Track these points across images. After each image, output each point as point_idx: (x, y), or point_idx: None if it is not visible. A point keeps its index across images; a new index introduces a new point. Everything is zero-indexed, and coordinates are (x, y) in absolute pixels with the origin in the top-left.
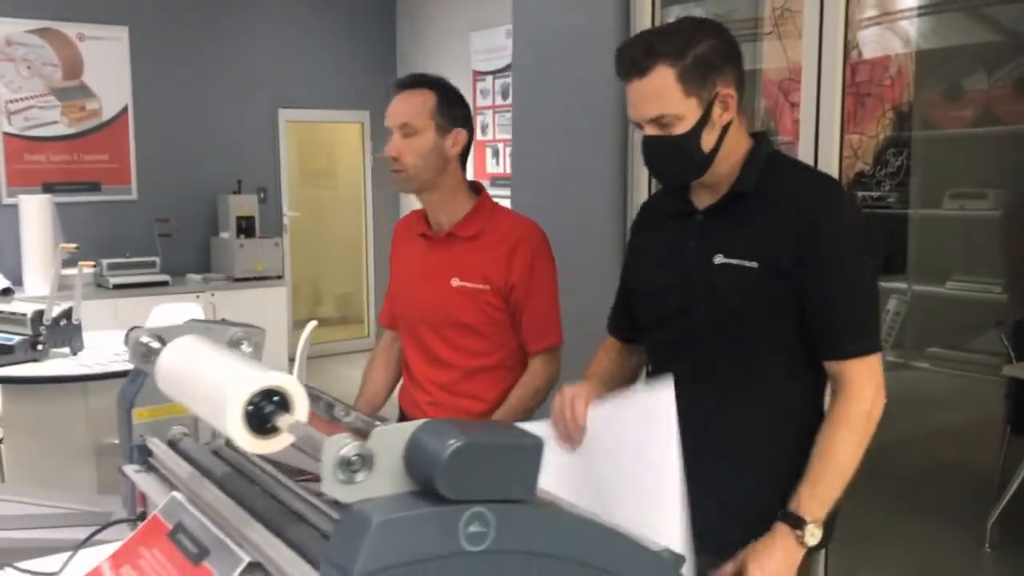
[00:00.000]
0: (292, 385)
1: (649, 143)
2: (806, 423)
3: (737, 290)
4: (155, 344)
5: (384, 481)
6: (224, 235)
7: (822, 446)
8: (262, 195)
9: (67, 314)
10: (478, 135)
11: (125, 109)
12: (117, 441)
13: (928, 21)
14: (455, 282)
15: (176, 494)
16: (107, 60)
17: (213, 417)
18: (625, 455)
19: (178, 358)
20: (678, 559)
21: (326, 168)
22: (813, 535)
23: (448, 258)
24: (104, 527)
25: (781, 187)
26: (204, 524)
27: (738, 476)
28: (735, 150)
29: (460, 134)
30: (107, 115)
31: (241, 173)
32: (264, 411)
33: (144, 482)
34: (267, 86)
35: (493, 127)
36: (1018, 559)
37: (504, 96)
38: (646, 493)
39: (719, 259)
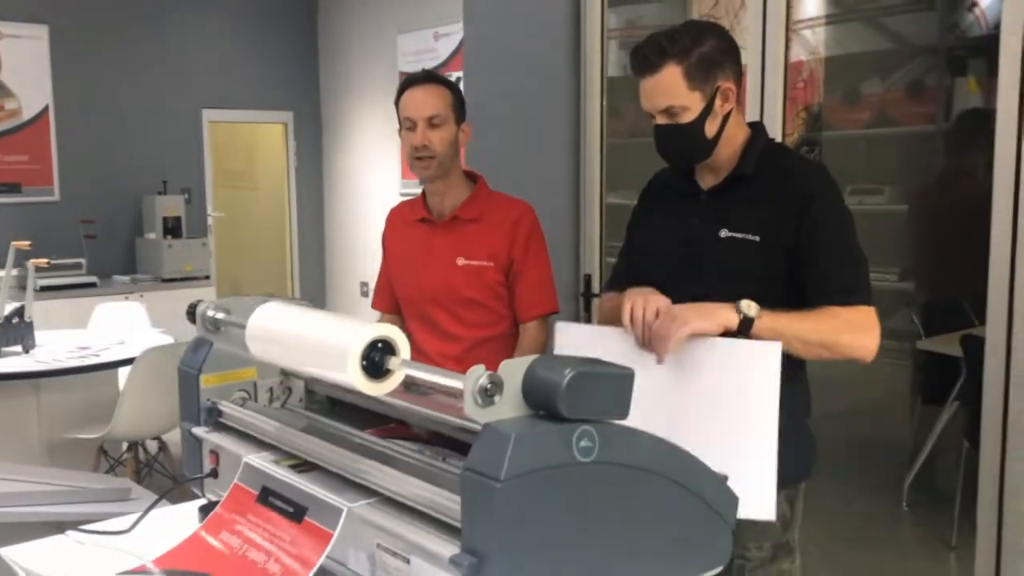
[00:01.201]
0: (396, 333)
1: (660, 130)
2: (790, 374)
3: (740, 260)
4: (221, 315)
5: (508, 406)
6: (151, 236)
7: (810, 310)
8: (187, 196)
9: (19, 312)
10: None
11: (46, 109)
12: (80, 436)
13: (831, 30)
14: (460, 261)
15: (249, 459)
16: (26, 59)
17: (329, 367)
18: (721, 397)
19: (274, 321)
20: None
21: (246, 169)
22: (749, 308)
23: (452, 240)
24: (178, 484)
25: (777, 170)
26: (292, 483)
27: None
28: (735, 137)
29: (468, 127)
30: (27, 115)
31: (166, 174)
32: (376, 357)
33: (218, 440)
34: (191, 87)
35: None
36: (931, 515)
37: None
38: (737, 441)
39: (724, 233)
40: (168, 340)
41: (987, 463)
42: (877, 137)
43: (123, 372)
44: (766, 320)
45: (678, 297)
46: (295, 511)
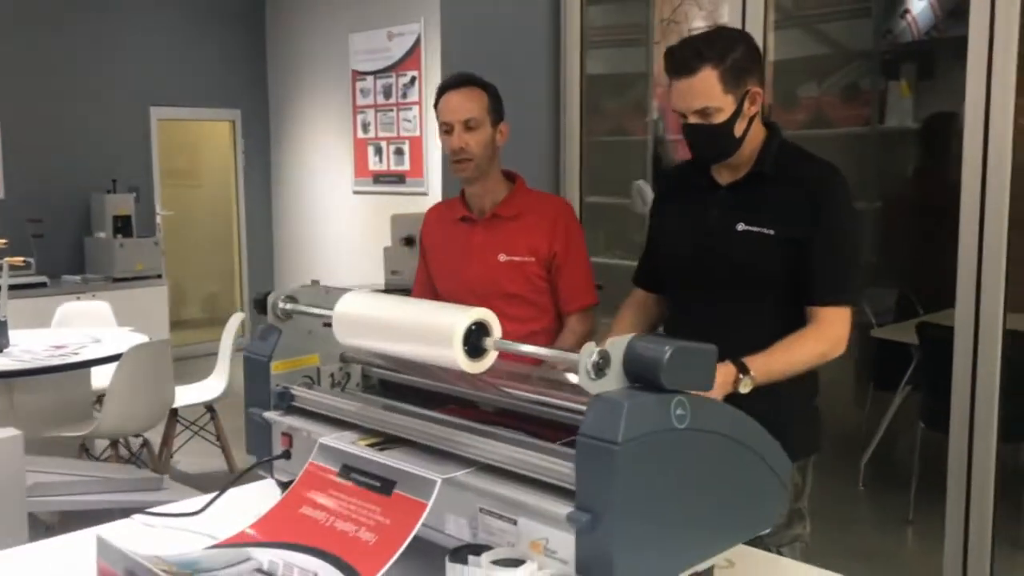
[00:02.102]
0: (490, 315)
1: (693, 129)
2: None
3: (756, 252)
4: (289, 306)
5: (612, 379)
6: (100, 235)
7: (788, 341)
8: (136, 194)
9: None
10: (359, 133)
11: None
12: (65, 434)
13: (772, 37)
14: (502, 257)
15: (325, 439)
16: None
17: (431, 349)
18: None
19: (367, 308)
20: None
21: (190, 167)
22: (746, 385)
23: (493, 236)
24: (256, 465)
25: (793, 169)
26: (375, 459)
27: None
28: (756, 137)
29: (505, 127)
30: None
31: (114, 172)
32: (474, 338)
33: (293, 422)
34: (138, 84)
35: (375, 125)
36: (886, 493)
37: (386, 95)
38: None
39: (741, 227)
40: (143, 338)
41: (956, 443)
42: (813, 138)
43: (97, 371)
44: (760, 377)
45: (697, 290)
46: (382, 485)
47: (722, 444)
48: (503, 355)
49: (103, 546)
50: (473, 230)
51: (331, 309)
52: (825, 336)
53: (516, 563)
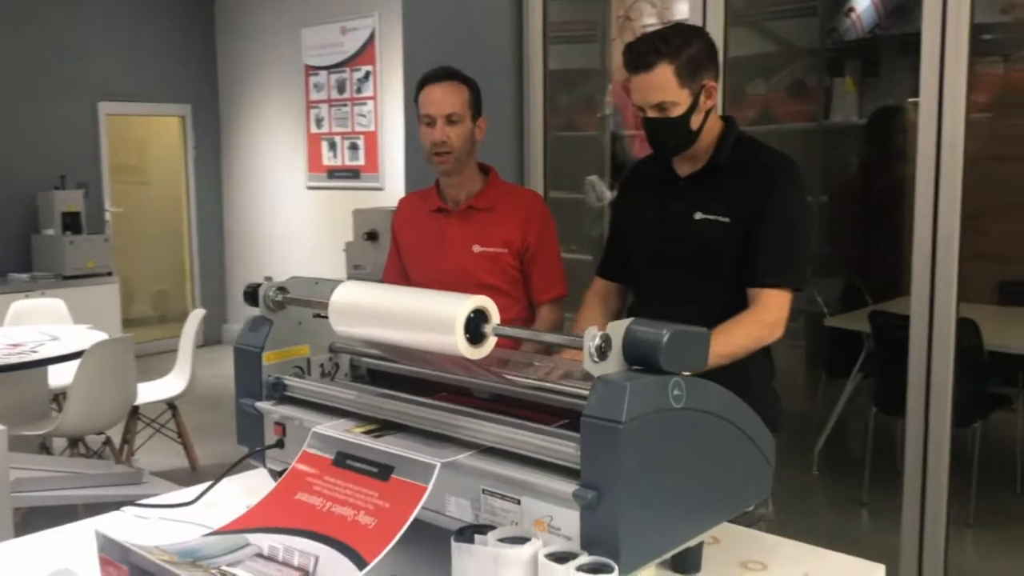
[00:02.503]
0: (489, 302)
1: (651, 123)
2: None
3: (713, 239)
4: (281, 297)
5: (612, 362)
6: (49, 232)
7: (726, 325)
8: (85, 191)
9: None
10: (313, 128)
11: None
12: (25, 433)
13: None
14: (476, 248)
15: (319, 428)
16: None
17: (432, 336)
18: None
19: (365, 297)
20: None
21: (138, 163)
22: None
23: (468, 228)
24: (250, 454)
25: (748, 160)
26: (371, 446)
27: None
28: (712, 129)
29: (483, 122)
30: None
31: (62, 168)
32: (474, 324)
33: (287, 412)
34: (86, 79)
35: (329, 121)
36: (839, 478)
37: (340, 90)
38: None
39: (699, 215)
40: (102, 335)
41: (912, 427)
42: (762, 134)
43: (53, 369)
44: None
45: (659, 276)
46: (380, 471)
47: (714, 423)
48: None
49: (103, 540)
50: (448, 221)
51: (323, 300)
52: (762, 319)
53: (521, 541)
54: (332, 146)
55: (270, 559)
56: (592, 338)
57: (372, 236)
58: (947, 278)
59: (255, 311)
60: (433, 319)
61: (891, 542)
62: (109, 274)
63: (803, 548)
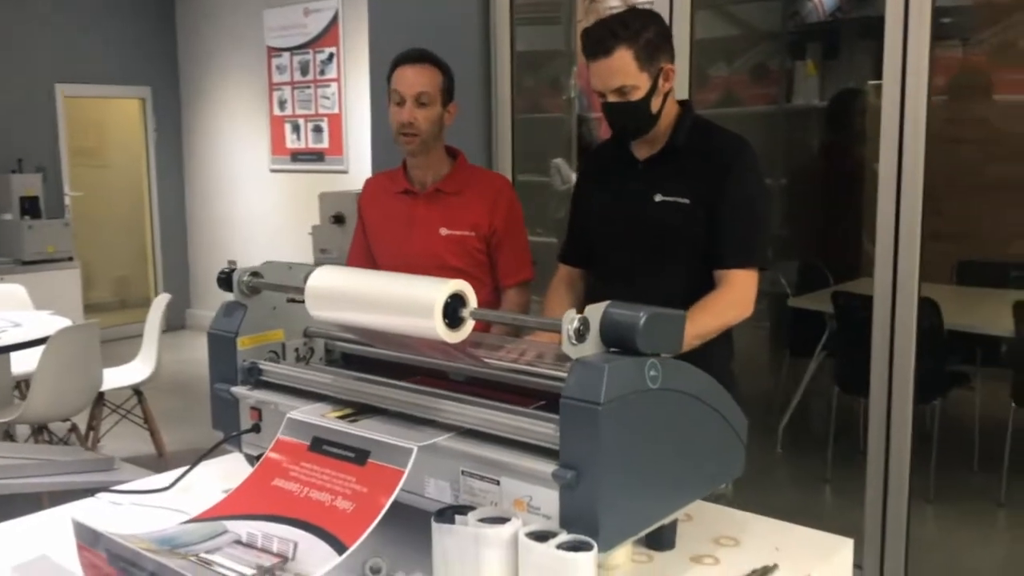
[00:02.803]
0: (466, 287)
1: (611, 107)
2: None
3: (674, 221)
4: (256, 282)
5: (590, 344)
6: (7, 216)
7: (697, 307)
8: (44, 174)
9: None
10: (275, 111)
11: None
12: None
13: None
14: (444, 231)
15: (293, 414)
16: None
17: (410, 320)
18: None
19: (341, 281)
20: None
21: (97, 146)
22: None
23: (435, 211)
24: (226, 439)
25: (704, 142)
26: (347, 431)
27: None
28: (670, 112)
29: (454, 107)
30: None
31: (19, 151)
32: (453, 308)
33: (263, 396)
34: (44, 60)
35: (292, 103)
36: (802, 456)
37: (303, 72)
38: None
39: (659, 198)
40: (66, 322)
41: (875, 405)
42: (724, 116)
43: (16, 356)
44: None
45: (620, 260)
46: (356, 456)
47: (689, 403)
48: None
49: (79, 528)
50: (415, 204)
51: (297, 284)
52: (733, 299)
53: (502, 520)
54: (295, 129)
55: (249, 546)
56: (571, 321)
57: (339, 219)
58: (909, 258)
59: (223, 296)
60: (411, 304)
61: (854, 518)
62: (70, 259)
63: (773, 523)
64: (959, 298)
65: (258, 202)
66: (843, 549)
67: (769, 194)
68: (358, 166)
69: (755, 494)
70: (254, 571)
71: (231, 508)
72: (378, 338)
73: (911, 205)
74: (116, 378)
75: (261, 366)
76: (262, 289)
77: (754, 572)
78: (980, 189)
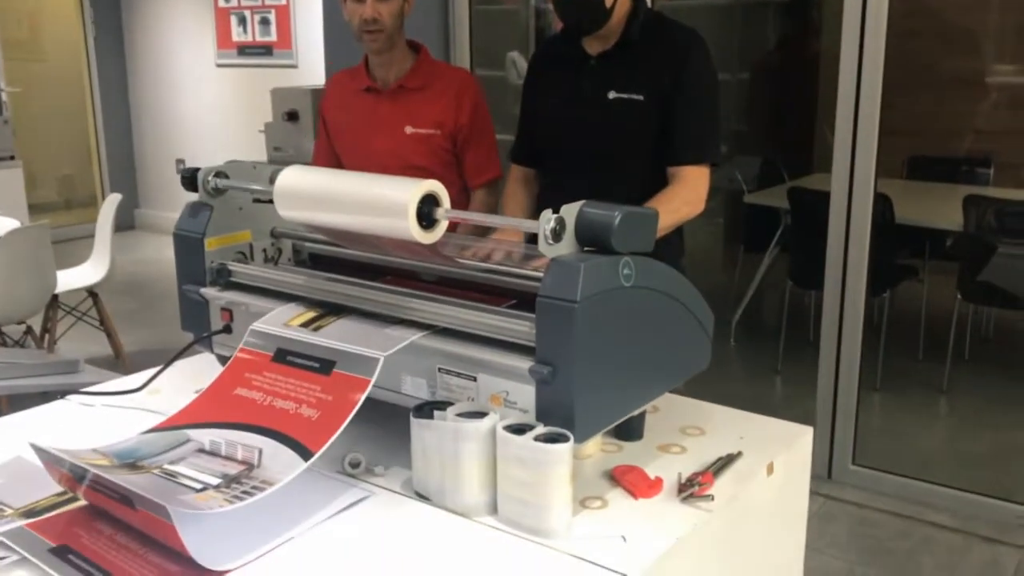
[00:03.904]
0: (439, 187)
1: (565, 2)
2: None
3: (628, 118)
4: (222, 182)
5: (565, 244)
6: None
7: (652, 203)
8: None
9: None
10: (220, 2)
11: None
12: None
13: None
14: (408, 129)
15: (257, 325)
16: None
17: (383, 220)
18: None
19: (312, 182)
20: None
21: (30, 38)
22: None
23: (399, 108)
24: (197, 340)
25: (657, 37)
26: (309, 340)
27: None
28: (622, 7)
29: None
30: None
31: None
32: (426, 209)
33: (234, 297)
34: None
35: None
36: (754, 348)
37: None
38: None
39: (612, 94)
40: (14, 223)
41: (829, 297)
42: (680, 9)
43: None
44: None
45: (571, 159)
46: (322, 366)
47: (660, 299)
48: None
49: (39, 451)
50: (378, 102)
51: (263, 185)
52: (686, 196)
53: (479, 415)
54: (241, 21)
55: (213, 454)
56: (547, 221)
57: (292, 116)
58: (867, 153)
59: (173, 196)
60: (385, 204)
61: (804, 407)
62: (11, 158)
63: (736, 413)
64: (909, 192)
65: (206, 98)
66: (803, 437)
67: (720, 88)
68: (308, 60)
69: (709, 385)
70: (219, 480)
71: (192, 417)
72: (348, 238)
73: (870, 98)
74: (70, 279)
75: (231, 267)
76: (228, 189)
77: (719, 460)
78: (932, 84)
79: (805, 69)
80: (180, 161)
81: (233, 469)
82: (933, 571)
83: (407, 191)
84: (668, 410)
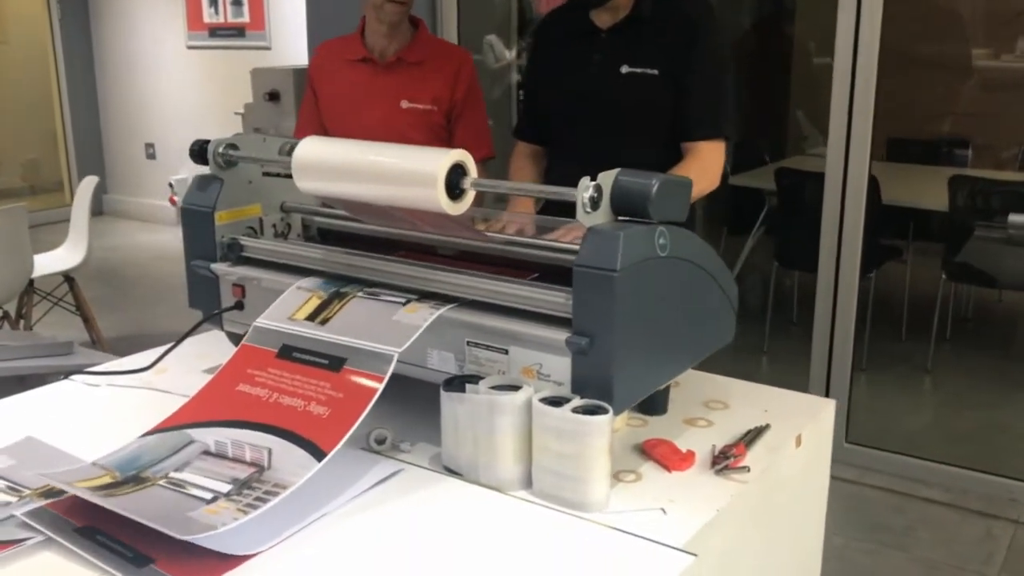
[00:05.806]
0: (467, 157)
1: None
2: None
3: (642, 93)
4: (233, 154)
5: (602, 213)
6: None
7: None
8: None
9: None
10: None
11: None
12: None
13: None
14: (405, 104)
15: (259, 322)
16: None
17: (411, 191)
18: None
19: (334, 152)
20: None
21: None
22: None
23: (396, 82)
24: (208, 317)
25: (670, 10)
26: (316, 337)
27: None
28: None
29: None
30: None
31: None
32: (454, 179)
33: (246, 272)
34: None
35: None
36: (741, 328)
37: None
38: None
39: (625, 69)
40: None
41: (823, 277)
42: None
43: None
44: None
45: (581, 137)
46: (331, 362)
47: (692, 270)
48: None
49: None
50: (374, 73)
51: (274, 157)
52: (703, 171)
53: (511, 388)
54: (213, 2)
55: (219, 456)
56: (585, 189)
57: (274, 96)
58: (862, 135)
59: (143, 182)
60: (412, 174)
61: (795, 384)
62: None
63: (758, 387)
64: (891, 174)
65: (176, 82)
66: (826, 409)
67: (731, 62)
68: (282, 42)
69: (700, 365)
70: (230, 486)
71: (193, 415)
72: (368, 211)
73: (866, 79)
74: (46, 264)
75: (242, 241)
76: (239, 161)
77: (749, 432)
78: (908, 67)
79: (781, 52)
80: (150, 145)
81: (242, 472)
82: (930, 546)
83: (436, 161)
84: (688, 384)
